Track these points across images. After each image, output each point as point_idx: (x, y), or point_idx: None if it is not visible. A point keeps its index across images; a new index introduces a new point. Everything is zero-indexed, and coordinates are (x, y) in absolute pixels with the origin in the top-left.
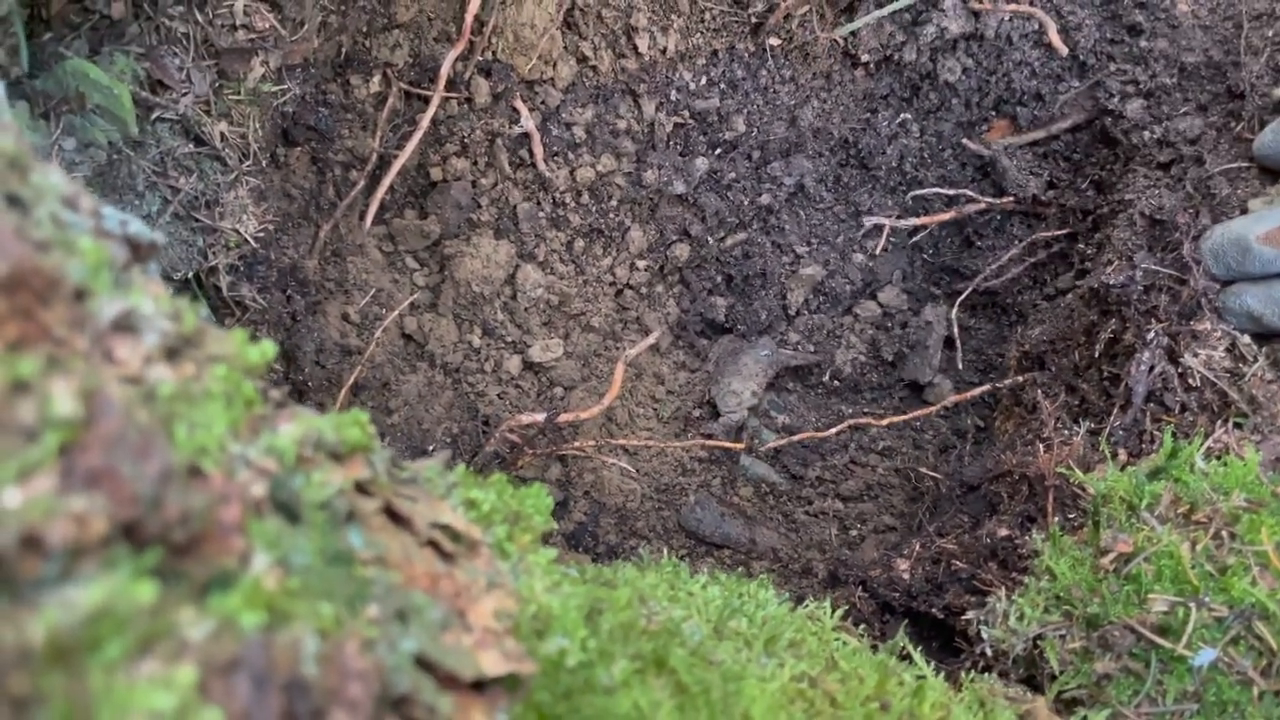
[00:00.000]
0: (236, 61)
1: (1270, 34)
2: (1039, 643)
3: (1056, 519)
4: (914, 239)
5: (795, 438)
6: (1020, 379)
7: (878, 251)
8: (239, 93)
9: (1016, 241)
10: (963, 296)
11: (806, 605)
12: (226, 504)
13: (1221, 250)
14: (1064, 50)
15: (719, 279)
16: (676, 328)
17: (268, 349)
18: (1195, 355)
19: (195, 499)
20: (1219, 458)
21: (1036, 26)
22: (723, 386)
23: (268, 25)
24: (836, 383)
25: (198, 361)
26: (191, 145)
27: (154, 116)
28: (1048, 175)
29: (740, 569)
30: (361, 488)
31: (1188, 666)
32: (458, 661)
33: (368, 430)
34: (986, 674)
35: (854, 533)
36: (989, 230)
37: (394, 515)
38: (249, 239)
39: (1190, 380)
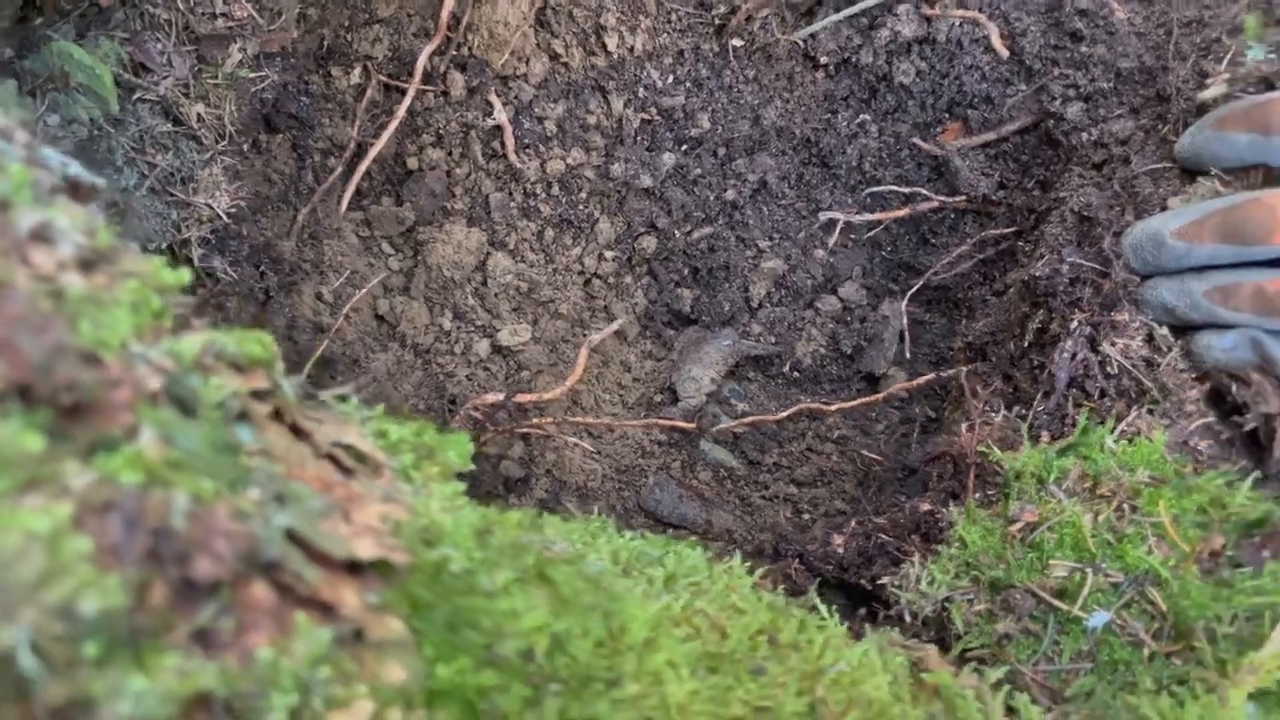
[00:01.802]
0: (215, 47)
1: (1198, 40)
2: (947, 605)
3: (977, 494)
4: (872, 235)
5: (746, 420)
6: (964, 369)
7: (832, 245)
8: (217, 77)
9: (969, 239)
10: (912, 291)
11: (727, 562)
12: (118, 386)
13: (1139, 245)
14: (1005, 54)
15: (685, 271)
16: (644, 318)
17: (184, 276)
18: (1114, 344)
19: (86, 375)
20: (1130, 439)
21: (985, 32)
22: (683, 373)
23: (246, 14)
24: (796, 373)
25: (111, 275)
26: (170, 125)
27: (135, 97)
28: (998, 176)
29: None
30: (259, 395)
31: (1083, 628)
32: (330, 543)
33: (270, 348)
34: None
35: (806, 516)
36: (943, 228)
37: (295, 429)
38: (221, 214)
39: (1109, 368)
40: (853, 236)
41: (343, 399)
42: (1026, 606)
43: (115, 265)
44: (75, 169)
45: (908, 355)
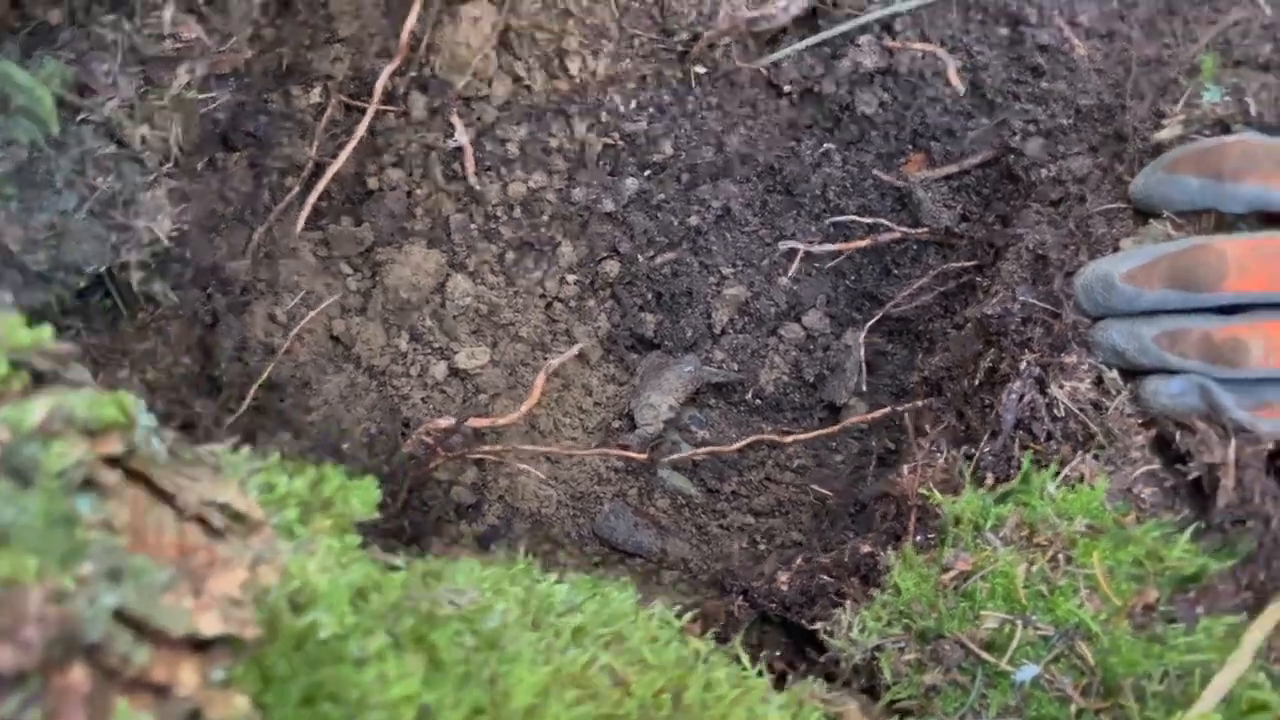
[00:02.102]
0: (162, 69)
1: (1156, 79)
2: (877, 654)
3: (917, 538)
4: (836, 264)
5: (702, 450)
6: (915, 405)
7: (795, 274)
8: (163, 99)
9: (930, 271)
10: (872, 321)
11: (654, 608)
12: None
13: (1090, 286)
14: (961, 88)
15: (649, 295)
16: (607, 342)
17: (43, 333)
18: (1062, 387)
19: None
20: (1071, 486)
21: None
22: (641, 400)
23: (194, 36)
24: (759, 401)
25: None
26: (113, 147)
27: (79, 118)
28: (960, 208)
29: (652, 578)
30: (114, 462)
31: (1010, 681)
32: (169, 619)
33: (128, 409)
34: (829, 681)
35: (761, 547)
36: (906, 259)
37: (157, 491)
38: (162, 237)
39: (1056, 411)
40: (816, 265)
41: (234, 450)
42: (955, 658)
43: None
44: None
45: (866, 387)
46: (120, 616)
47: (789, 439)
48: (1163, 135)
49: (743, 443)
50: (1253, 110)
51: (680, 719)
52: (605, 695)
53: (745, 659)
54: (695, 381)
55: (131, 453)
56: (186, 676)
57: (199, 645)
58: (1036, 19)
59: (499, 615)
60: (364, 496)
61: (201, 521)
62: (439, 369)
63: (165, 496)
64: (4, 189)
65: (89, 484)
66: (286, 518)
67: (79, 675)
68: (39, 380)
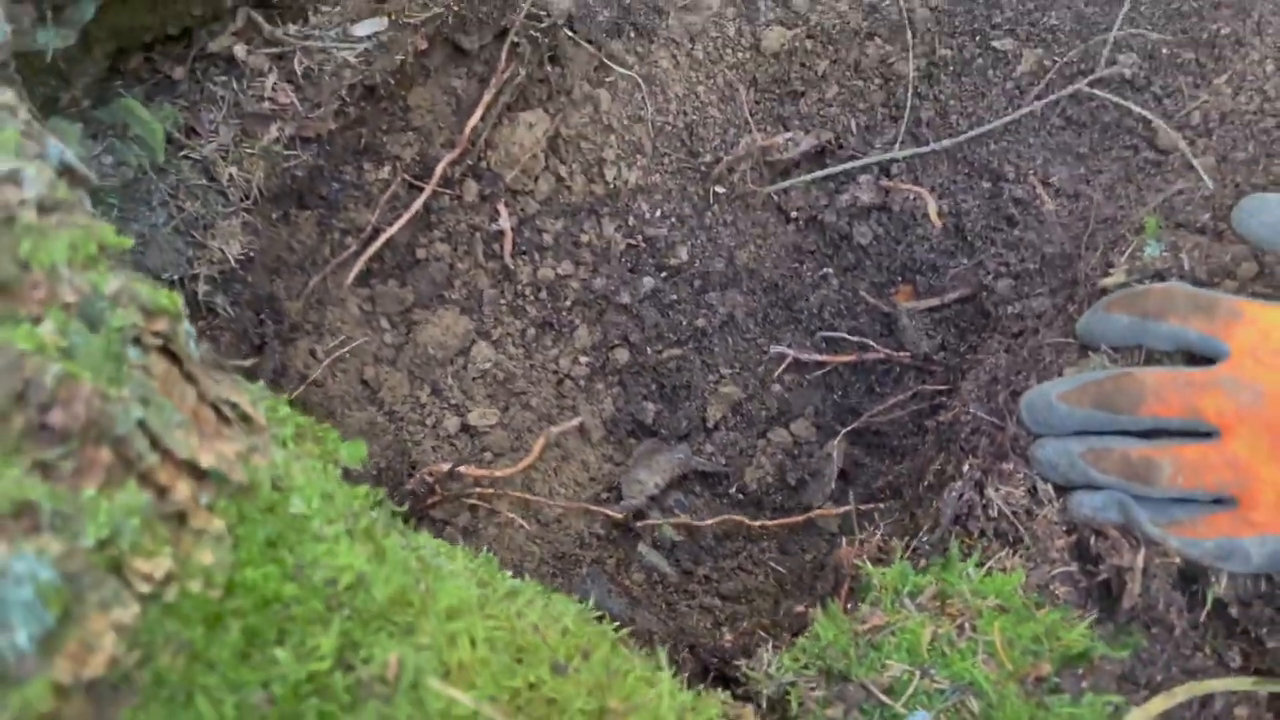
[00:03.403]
0: (257, 124)
1: (1110, 235)
2: (790, 689)
3: (849, 604)
4: (825, 378)
5: (673, 520)
6: (880, 506)
7: (786, 381)
8: (254, 148)
9: (908, 392)
10: (849, 430)
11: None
12: (37, 287)
13: (1033, 404)
14: (938, 225)
15: (652, 386)
16: (610, 424)
17: (126, 241)
18: (998, 490)
19: (12, 269)
20: (990, 572)
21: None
22: (630, 475)
23: (288, 101)
24: (741, 496)
25: (62, 221)
26: (205, 180)
27: (181, 153)
28: (939, 338)
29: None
30: (159, 337)
31: None
32: (177, 444)
33: (176, 304)
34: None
35: (724, 628)
36: (889, 380)
37: (186, 375)
38: (230, 258)
39: (990, 511)
40: (807, 377)
41: (250, 375)
42: (858, 698)
43: (69, 215)
44: (69, 158)
45: (842, 493)
46: (142, 427)
47: (757, 523)
48: (1108, 281)
49: (715, 520)
50: (1186, 265)
51: (585, 675)
52: (521, 633)
53: (663, 657)
54: (683, 467)
55: (173, 339)
56: (182, 486)
57: (196, 473)
58: (1014, 175)
59: (446, 564)
60: (352, 451)
61: (215, 409)
62: (452, 422)
63: (191, 379)
64: (110, 199)
65: (137, 342)
66: (283, 433)
67: (105, 453)
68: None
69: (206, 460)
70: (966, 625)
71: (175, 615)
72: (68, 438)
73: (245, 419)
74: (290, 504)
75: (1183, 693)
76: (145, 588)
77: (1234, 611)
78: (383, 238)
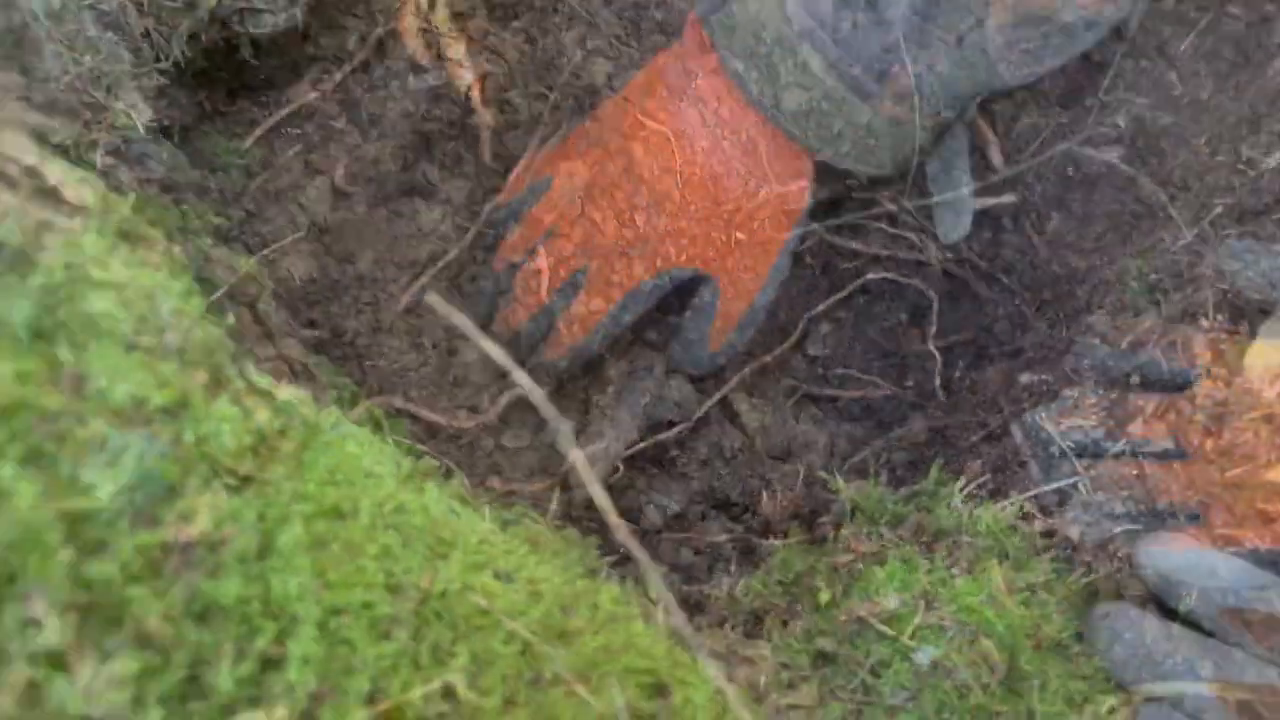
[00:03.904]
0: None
1: (1096, 279)
2: (762, 617)
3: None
4: (837, 407)
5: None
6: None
7: (799, 417)
8: None
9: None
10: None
11: None
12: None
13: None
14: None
15: None
16: None
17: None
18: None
19: None
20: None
21: None
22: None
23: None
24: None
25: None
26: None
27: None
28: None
29: None
30: (247, 295)
31: (906, 660)
32: (257, 377)
33: (263, 275)
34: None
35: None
36: (898, 416)
37: (267, 333)
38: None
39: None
40: (820, 409)
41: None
42: (850, 630)
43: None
44: None
45: None
46: (231, 359)
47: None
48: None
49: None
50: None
51: (585, 617)
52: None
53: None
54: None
55: (258, 300)
56: (261, 411)
57: (272, 404)
58: (1011, 227)
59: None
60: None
61: (288, 362)
62: None
63: (269, 336)
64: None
65: (232, 298)
66: (343, 395)
67: (203, 373)
68: None
69: (281, 395)
70: (963, 561)
71: (253, 507)
72: (179, 353)
73: (310, 375)
74: (346, 444)
75: None
76: (232, 480)
77: None
78: (425, 277)
